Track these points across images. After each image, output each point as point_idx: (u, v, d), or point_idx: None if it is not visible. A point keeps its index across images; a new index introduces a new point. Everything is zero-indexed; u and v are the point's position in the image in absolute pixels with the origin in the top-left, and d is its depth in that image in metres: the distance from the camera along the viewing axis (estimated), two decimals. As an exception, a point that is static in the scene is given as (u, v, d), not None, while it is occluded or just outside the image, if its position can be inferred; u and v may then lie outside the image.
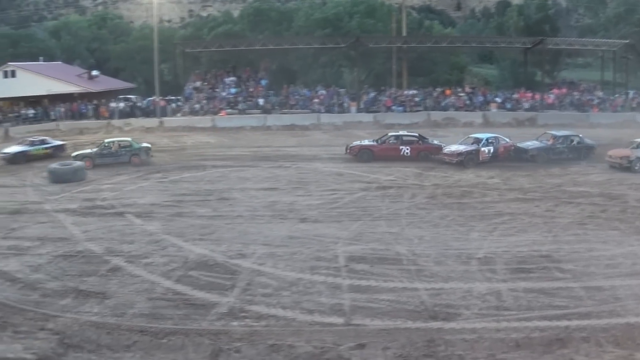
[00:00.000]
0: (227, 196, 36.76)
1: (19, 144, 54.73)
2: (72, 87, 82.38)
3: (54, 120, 74.83)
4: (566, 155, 46.89)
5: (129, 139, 50.82)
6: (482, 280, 22.80)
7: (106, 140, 49.60)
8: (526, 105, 74.02)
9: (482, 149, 46.14)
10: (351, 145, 49.43)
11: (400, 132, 51.66)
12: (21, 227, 32.37)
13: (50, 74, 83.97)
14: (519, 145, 47.64)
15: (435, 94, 75.82)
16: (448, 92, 76.79)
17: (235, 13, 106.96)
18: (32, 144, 53.44)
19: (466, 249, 26.24)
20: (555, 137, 47.96)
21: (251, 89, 78.06)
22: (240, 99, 75.61)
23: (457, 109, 72.97)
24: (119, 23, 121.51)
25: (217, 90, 78.62)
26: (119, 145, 48.59)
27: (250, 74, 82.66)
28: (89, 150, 48.63)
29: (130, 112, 75.67)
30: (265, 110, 72.61)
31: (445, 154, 46.38)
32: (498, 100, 75.51)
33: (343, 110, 72.79)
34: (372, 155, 47.77)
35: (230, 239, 28.35)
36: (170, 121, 71.36)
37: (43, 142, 54.24)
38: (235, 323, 19.61)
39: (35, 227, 32.13)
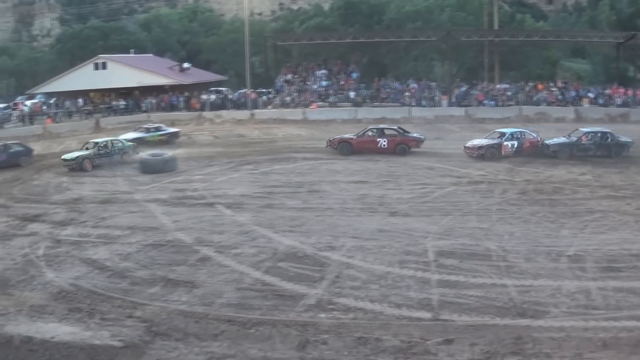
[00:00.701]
0: (317, 188, 36.88)
1: (134, 130, 55.85)
2: (163, 79, 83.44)
3: (144, 111, 76.07)
4: (593, 152, 45.93)
5: (119, 138, 51.98)
6: (571, 278, 22.43)
7: (99, 140, 49.57)
8: (619, 101, 72.65)
9: (505, 143, 46.12)
10: (331, 138, 49.94)
11: (381, 126, 52.46)
12: (111, 216, 33.00)
13: (141, 66, 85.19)
14: (545, 141, 47.01)
15: (527, 89, 75.01)
16: (540, 86, 75.88)
17: (326, 6, 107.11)
18: (148, 130, 54.57)
19: (556, 246, 25.84)
20: (584, 134, 47.12)
21: (342, 82, 78.23)
22: (331, 91, 75.85)
23: (549, 104, 72.05)
24: (210, 16, 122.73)
25: (308, 83, 78.98)
26: (112, 144, 49.17)
27: (341, 66, 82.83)
28: (85, 152, 47.90)
29: (221, 104, 76.41)
30: (356, 103, 72.68)
31: (468, 148, 46.61)
32: (590, 95, 74.33)
33: (434, 103, 72.47)
34: (351, 147, 48.12)
35: (319, 231, 28.47)
36: (261, 113, 71.94)
37: (158, 129, 55.38)
38: (322, 315, 19.68)
39: (125, 217, 32.72)
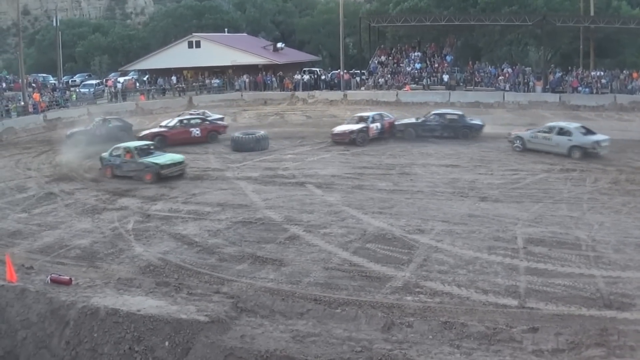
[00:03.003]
0: (408, 171, 37.02)
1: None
2: (256, 58, 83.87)
3: (237, 90, 76.58)
4: (439, 132, 47.63)
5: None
6: (660, 271, 22.24)
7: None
8: None
9: (371, 125, 47.33)
10: (143, 133, 49.74)
11: (187, 116, 52.95)
12: (202, 192, 33.63)
13: (234, 45, 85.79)
14: (396, 122, 48.94)
15: (622, 77, 73.78)
16: (635, 75, 74.51)
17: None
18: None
19: (647, 238, 25.60)
20: (431, 115, 49.20)
21: (436, 65, 77.81)
22: (424, 74, 75.50)
23: (644, 93, 70.79)
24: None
25: (401, 65, 78.71)
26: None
27: (435, 49, 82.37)
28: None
29: (314, 85, 76.62)
30: (450, 87, 72.21)
31: (336, 135, 46.94)
32: (686, 85, 72.77)
33: (528, 89, 71.69)
34: (166, 140, 47.78)
35: (409, 214, 28.72)
36: (353, 94, 71.94)
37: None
38: (409, 298, 19.90)
39: (216, 193, 33.36)
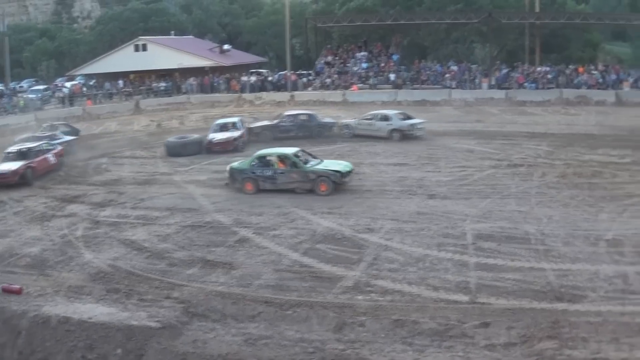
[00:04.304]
0: (357, 170, 36.84)
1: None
2: (203, 60, 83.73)
3: (184, 93, 76.31)
4: (295, 132, 48.13)
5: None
6: (609, 263, 22.42)
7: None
8: (660, 84, 72.07)
9: (242, 130, 47.08)
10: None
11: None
12: (150, 197, 33.39)
13: (181, 47, 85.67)
14: (251, 125, 49.50)
15: (568, 72, 74.51)
16: (581, 69, 75.33)
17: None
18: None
19: (595, 230, 25.78)
20: (285, 116, 49.93)
21: (382, 64, 78.07)
22: (371, 73, 75.70)
23: (590, 87, 71.50)
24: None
25: (348, 65, 78.93)
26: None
27: (382, 49, 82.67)
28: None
29: (261, 86, 76.54)
30: (396, 85, 72.44)
31: (218, 144, 45.15)
32: (631, 79, 73.78)
33: (475, 86, 72.15)
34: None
35: (358, 213, 28.66)
36: (301, 95, 71.95)
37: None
38: (360, 297, 19.87)
39: (164, 198, 33.14)
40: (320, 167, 33.51)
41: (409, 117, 49.68)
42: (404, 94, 69.40)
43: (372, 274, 21.69)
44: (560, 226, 26.37)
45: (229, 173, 34.30)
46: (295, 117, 49.74)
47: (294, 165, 33.40)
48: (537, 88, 70.19)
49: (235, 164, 34.67)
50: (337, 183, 32.83)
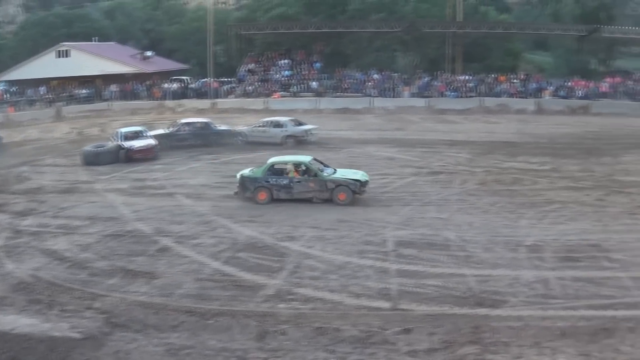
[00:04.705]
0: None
1: None
2: (125, 67, 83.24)
3: (106, 100, 75.62)
4: (191, 141, 48.27)
5: None
6: (530, 268, 22.67)
7: None
8: (580, 93, 73.49)
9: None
10: None
11: None
12: (71, 206, 32.85)
13: (104, 54, 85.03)
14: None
15: (488, 80, 75.47)
16: (502, 78, 76.40)
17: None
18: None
19: (515, 236, 26.11)
20: (182, 125, 50.03)
21: (304, 72, 78.24)
22: (293, 81, 75.83)
23: (511, 95, 72.62)
24: (174, 4, 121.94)
25: (270, 72, 78.97)
26: None
27: (304, 56, 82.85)
28: None
29: (183, 93, 76.23)
30: (318, 93, 72.73)
31: (139, 151, 44.54)
32: (551, 87, 75.04)
33: (396, 94, 72.67)
34: None
35: (279, 222, 28.54)
36: (222, 103, 71.92)
37: None
38: (282, 305, 19.72)
39: (85, 207, 32.59)
40: (338, 176, 32.48)
41: (302, 124, 50.80)
42: (325, 102, 69.78)
43: (293, 282, 21.58)
44: (481, 232, 26.62)
45: (239, 181, 32.81)
46: (191, 126, 49.62)
47: (312, 173, 32.41)
48: (458, 96, 71.07)
49: (246, 172, 33.16)
50: (356, 192, 31.94)
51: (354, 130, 52.82)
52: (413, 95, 72.35)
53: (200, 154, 44.90)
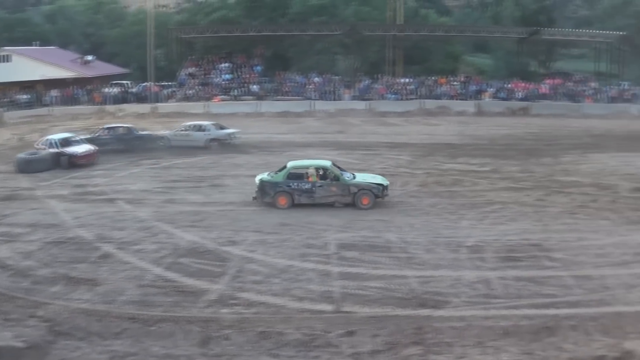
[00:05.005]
0: (219, 183, 36.85)
1: None
2: (66, 72, 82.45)
3: (47, 105, 74.82)
4: (114, 145, 47.93)
5: None
6: (471, 269, 22.94)
7: None
8: (519, 95, 74.42)
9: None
10: None
11: None
12: (13, 213, 32.36)
13: (45, 58, 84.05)
14: None
15: (429, 83, 75.99)
16: (442, 80, 77.04)
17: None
18: None
19: (456, 237, 26.39)
20: (103, 129, 49.98)
21: (245, 76, 78.10)
22: (234, 85, 75.65)
23: (451, 97, 73.27)
24: (115, 8, 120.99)
25: (211, 76, 78.70)
26: None
27: (245, 60, 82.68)
28: None
29: (123, 98, 75.68)
30: (259, 97, 72.72)
31: (83, 157, 44.00)
32: (491, 89, 75.81)
33: (337, 97, 72.84)
34: None
35: (221, 226, 28.46)
36: (163, 107, 71.52)
37: None
38: (225, 310, 19.65)
39: (26, 214, 32.11)
40: (360, 180, 32.17)
41: (224, 127, 51.36)
42: (266, 105, 69.82)
43: (236, 286, 21.51)
44: (422, 234, 26.85)
45: (258, 186, 32.13)
46: (114, 131, 49.42)
47: (335, 178, 31.97)
48: (398, 99, 71.48)
49: (265, 177, 32.42)
50: (378, 196, 31.74)
51: (295, 134, 52.89)
52: (354, 98, 72.66)
53: (141, 159, 44.53)
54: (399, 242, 25.69)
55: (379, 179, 32.55)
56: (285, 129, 57.09)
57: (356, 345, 17.21)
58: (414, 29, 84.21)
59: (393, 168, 40.32)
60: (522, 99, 74.06)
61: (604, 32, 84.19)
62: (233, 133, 50.33)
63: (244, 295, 20.74)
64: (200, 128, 50.00)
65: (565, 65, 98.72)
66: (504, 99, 74.28)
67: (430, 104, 70.81)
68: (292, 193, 31.54)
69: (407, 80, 76.89)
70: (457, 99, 73.28)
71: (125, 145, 47.82)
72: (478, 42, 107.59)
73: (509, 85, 77.03)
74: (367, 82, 76.02)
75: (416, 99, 72.49)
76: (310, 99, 72.28)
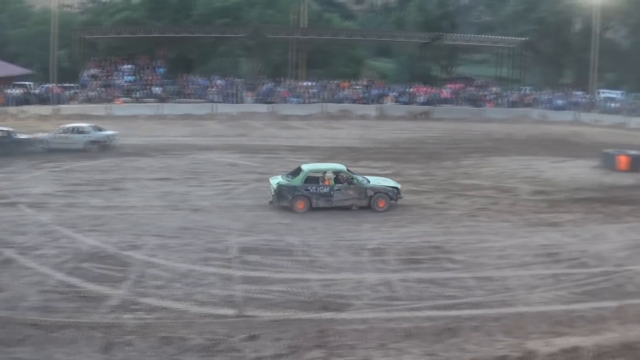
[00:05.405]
0: (120, 186, 36.54)
1: None
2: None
3: (-55, 107, 73.21)
4: None
5: None
6: (373, 271, 23.31)
7: None
8: (421, 99, 75.39)
9: None
10: None
11: None
12: None
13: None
14: None
15: (331, 86, 76.43)
16: (344, 84, 77.53)
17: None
18: None
19: (358, 240, 26.82)
20: None
21: (147, 77, 77.47)
22: (136, 87, 75.00)
23: (353, 101, 73.86)
24: (19, 7, 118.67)
25: (113, 77, 77.85)
26: None
27: (148, 61, 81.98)
28: None
29: (25, 99, 74.38)
30: (161, 99, 72.21)
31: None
32: (394, 93, 76.63)
33: (239, 100, 72.81)
34: None
35: (122, 230, 28.22)
36: (65, 109, 70.34)
37: None
38: (127, 316, 19.53)
39: None
40: (376, 183, 32.85)
41: (102, 129, 51.00)
42: (169, 108, 69.47)
43: (138, 291, 21.40)
44: (324, 237, 27.20)
45: (276, 191, 31.97)
46: None
47: (351, 181, 32.45)
48: (301, 102, 71.77)
49: (282, 181, 32.40)
50: (393, 199, 32.43)
51: (197, 137, 52.80)
52: (256, 101, 72.82)
53: (42, 162, 43.87)
54: (301, 246, 25.95)
55: (391, 182, 33.48)
56: (187, 132, 56.90)
57: (259, 349, 17.30)
58: (317, 33, 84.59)
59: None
60: (423, 103, 75.22)
61: (506, 37, 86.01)
62: (112, 135, 50.09)
63: (146, 300, 20.65)
64: (79, 130, 49.42)
65: (467, 70, 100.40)
66: (405, 103, 75.29)
67: (333, 107, 71.30)
68: (310, 197, 31.84)
69: (309, 83, 77.24)
70: (359, 103, 73.96)
71: (3, 149, 46.16)
72: (381, 47, 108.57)
73: (411, 90, 78.09)
74: (269, 85, 76.15)
75: (319, 102, 72.90)
76: (212, 101, 72.08)
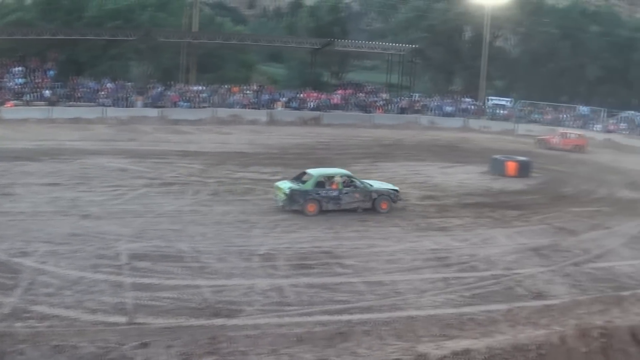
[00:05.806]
0: (9, 191, 35.82)
1: None
2: None
3: None
4: None
5: None
6: (264, 277, 23.58)
7: None
8: (311, 104, 76.00)
9: None
10: None
11: None
12: None
13: None
14: None
15: (222, 91, 76.45)
16: (235, 89, 77.64)
17: (29, 0, 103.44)
18: None
19: (248, 246, 27.02)
20: None
21: (38, 80, 76.20)
22: (26, 89, 73.73)
23: (244, 106, 74.03)
24: None
25: (3, 80, 76.38)
26: None
27: (38, 64, 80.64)
28: None
29: None
30: (51, 102, 71.03)
31: None
32: (284, 99, 77.06)
33: (129, 104, 72.27)
34: None
35: (11, 237, 27.61)
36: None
37: None
38: (18, 324, 19.25)
39: None
40: (378, 186, 34.98)
41: None
42: (59, 111, 68.25)
43: (29, 299, 21.12)
44: (214, 243, 27.33)
45: (288, 195, 32.88)
46: None
47: (356, 185, 34.18)
48: (191, 107, 71.60)
49: (294, 186, 33.46)
50: (394, 201, 34.58)
51: (86, 141, 52.29)
52: (146, 105, 72.23)
53: None
54: (191, 252, 26.01)
55: (390, 186, 35.67)
56: (77, 136, 56.25)
57: (151, 357, 17.33)
58: (208, 37, 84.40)
59: (185, 177, 40.64)
60: (313, 109, 75.86)
61: (397, 44, 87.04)
62: None
63: (37, 308, 20.43)
64: None
65: (358, 76, 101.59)
66: (296, 109, 75.79)
67: (223, 112, 71.34)
68: (321, 200, 33.27)
69: (200, 88, 77.12)
70: (249, 108, 74.12)
71: None
72: (272, 52, 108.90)
73: (302, 95, 78.67)
74: (160, 89, 75.72)
75: (209, 107, 72.86)
76: (102, 105, 71.34)
